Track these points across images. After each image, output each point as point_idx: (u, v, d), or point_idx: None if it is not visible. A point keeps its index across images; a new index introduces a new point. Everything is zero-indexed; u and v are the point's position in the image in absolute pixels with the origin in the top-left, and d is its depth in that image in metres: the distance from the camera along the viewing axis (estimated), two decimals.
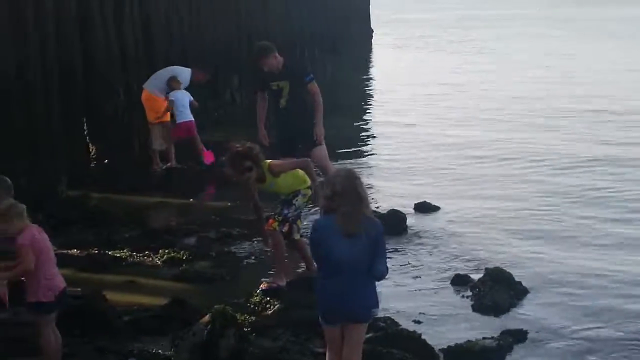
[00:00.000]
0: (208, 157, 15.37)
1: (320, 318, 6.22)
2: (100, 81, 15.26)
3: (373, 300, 6.14)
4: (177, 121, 15.18)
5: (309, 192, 9.05)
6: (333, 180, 6.12)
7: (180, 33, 19.18)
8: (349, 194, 5.99)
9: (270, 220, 8.97)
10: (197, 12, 20.29)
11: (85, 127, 15.12)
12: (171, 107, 15.07)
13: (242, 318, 7.71)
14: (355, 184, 6.06)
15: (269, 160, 8.85)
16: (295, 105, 11.20)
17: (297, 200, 8.99)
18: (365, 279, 6.04)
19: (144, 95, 15.35)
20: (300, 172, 9.04)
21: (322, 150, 11.36)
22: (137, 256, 10.23)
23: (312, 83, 11.17)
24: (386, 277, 6.24)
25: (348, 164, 14.82)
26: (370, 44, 40.62)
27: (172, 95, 15.12)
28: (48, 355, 6.82)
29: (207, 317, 6.90)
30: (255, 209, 9.20)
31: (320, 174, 10.55)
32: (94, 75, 15.05)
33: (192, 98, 15.33)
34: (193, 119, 15.24)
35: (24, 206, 6.72)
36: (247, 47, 23.25)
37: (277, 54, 11.25)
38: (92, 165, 15.20)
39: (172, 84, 15.15)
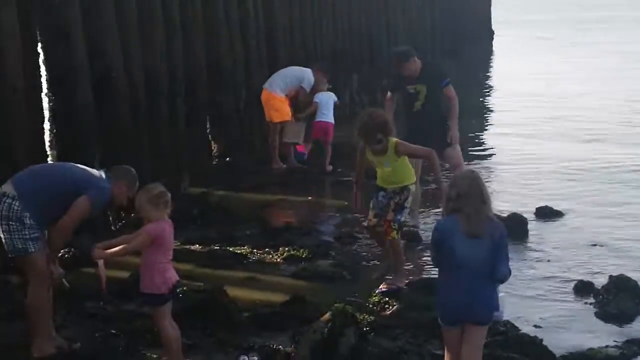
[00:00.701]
0: (301, 149, 15.54)
1: (439, 319, 6.22)
2: (223, 81, 15.48)
3: (494, 302, 6.11)
4: (316, 119, 15.32)
5: (413, 189, 9.02)
6: (458, 182, 6.15)
7: (301, 35, 19.33)
8: (473, 195, 6.02)
9: (388, 230, 8.86)
10: (318, 13, 20.42)
11: (207, 126, 15.35)
12: (314, 108, 15.28)
13: (362, 317, 7.74)
14: (479, 186, 6.10)
15: (395, 139, 8.76)
16: (430, 108, 11.24)
17: (407, 202, 8.90)
18: (487, 281, 6.03)
19: (264, 95, 15.53)
20: (411, 168, 9.04)
21: (455, 151, 11.37)
22: (257, 253, 10.37)
23: (448, 87, 11.28)
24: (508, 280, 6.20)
25: (469, 165, 14.71)
26: (491, 45, 40.16)
27: (316, 97, 15.32)
28: (169, 346, 6.96)
29: (327, 315, 6.95)
30: (356, 183, 9.20)
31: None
32: (217, 75, 15.28)
33: (337, 99, 15.54)
34: (332, 122, 15.37)
35: (166, 199, 6.88)
36: (368, 48, 23.35)
37: (416, 58, 11.31)
38: (214, 163, 15.43)
39: (316, 86, 15.43)
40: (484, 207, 6.04)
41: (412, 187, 8.99)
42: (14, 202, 7.08)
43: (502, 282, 6.10)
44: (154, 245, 6.79)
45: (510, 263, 6.12)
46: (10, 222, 7.08)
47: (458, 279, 6.00)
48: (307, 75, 15.53)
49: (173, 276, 6.89)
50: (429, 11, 29.27)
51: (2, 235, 7.17)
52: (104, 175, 7.46)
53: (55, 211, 7.18)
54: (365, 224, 9.25)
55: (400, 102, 11.53)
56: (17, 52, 9.71)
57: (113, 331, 7.68)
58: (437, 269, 6.37)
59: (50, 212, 7.20)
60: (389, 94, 11.63)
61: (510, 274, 6.09)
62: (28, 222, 7.10)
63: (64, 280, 7.55)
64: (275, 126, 15.41)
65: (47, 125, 11.32)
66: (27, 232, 7.10)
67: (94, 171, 7.56)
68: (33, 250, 7.15)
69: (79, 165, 7.68)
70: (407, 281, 9.04)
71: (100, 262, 7.18)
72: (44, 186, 7.20)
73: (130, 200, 7.31)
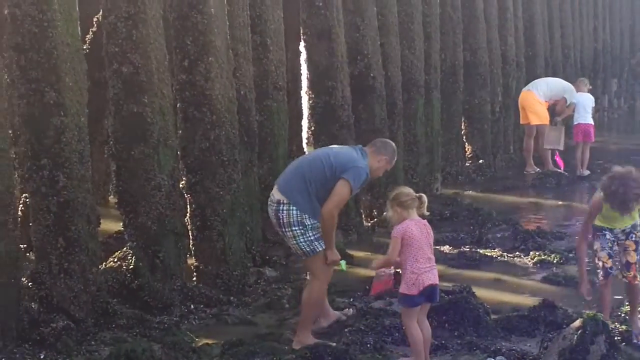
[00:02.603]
0: (560, 163, 15.26)
1: None
2: (481, 82, 15.46)
3: None
4: (575, 122, 15.16)
5: None
6: None
7: (561, 37, 19.01)
8: None
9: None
10: (579, 16, 20.01)
11: (462, 127, 15.38)
12: (572, 109, 15.14)
13: (613, 325, 7.54)
14: None
15: None
16: None
17: None
18: None
19: (523, 97, 15.41)
20: None
21: None
22: (507, 256, 10.30)
23: None
24: None
25: None
26: None
27: (574, 97, 15.15)
28: (413, 346, 7.03)
29: (578, 322, 6.81)
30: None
31: None
32: (474, 76, 15.29)
33: (594, 103, 15.34)
34: (593, 123, 15.14)
35: (412, 197, 6.99)
36: (628, 51, 22.62)
37: None
38: (467, 164, 15.43)
39: (578, 84, 15.33)
40: None
41: None
42: (290, 208, 7.34)
43: None
44: (404, 246, 6.90)
45: None
46: (293, 228, 7.35)
47: None
48: (570, 88, 15.38)
49: (427, 279, 6.89)
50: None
51: (289, 242, 7.48)
52: (359, 153, 7.60)
53: (322, 199, 7.39)
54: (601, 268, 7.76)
55: None
56: (280, 51, 10.10)
57: (362, 327, 7.84)
58: None
59: (318, 197, 7.38)
60: None
61: None
62: (309, 222, 7.35)
63: (341, 263, 7.79)
64: (532, 129, 15.24)
65: (305, 122, 11.70)
66: (311, 234, 7.36)
67: (349, 150, 7.71)
68: (320, 249, 7.42)
69: (333, 147, 7.92)
70: None
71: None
72: (307, 182, 7.40)
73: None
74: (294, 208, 7.33)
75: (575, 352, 6.63)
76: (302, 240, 7.35)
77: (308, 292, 7.55)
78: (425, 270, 6.89)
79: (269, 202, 7.57)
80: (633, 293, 7.65)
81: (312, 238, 7.35)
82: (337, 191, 7.33)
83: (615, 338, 7.14)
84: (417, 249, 6.91)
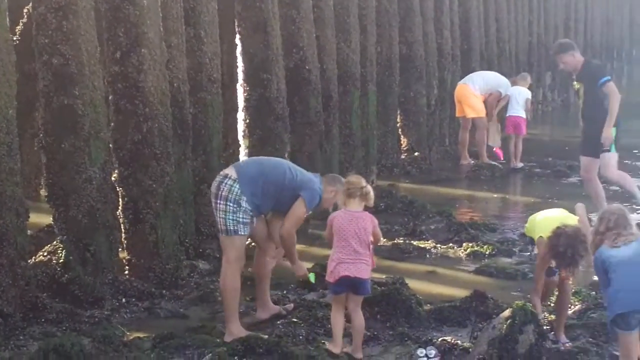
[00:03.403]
0: (498, 152, 15.43)
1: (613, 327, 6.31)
2: (417, 75, 15.54)
3: None
4: (507, 114, 15.33)
5: None
6: (605, 216, 6.48)
7: (496, 31, 19.19)
8: (620, 221, 6.41)
9: None
10: (515, 10, 20.22)
11: (398, 120, 15.45)
12: (506, 101, 15.30)
13: (542, 316, 7.64)
14: (625, 214, 6.50)
15: None
16: (588, 109, 10.91)
17: None
18: None
19: (459, 90, 15.52)
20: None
21: (607, 158, 10.86)
22: (440, 247, 10.39)
23: (606, 84, 10.63)
24: None
25: None
26: None
27: (509, 90, 15.31)
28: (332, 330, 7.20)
29: (507, 312, 6.90)
30: None
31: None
32: (410, 69, 15.36)
33: (530, 97, 15.48)
34: (524, 117, 15.29)
35: (355, 187, 7.12)
36: None
37: (575, 53, 11.03)
38: (403, 157, 15.50)
39: (517, 79, 15.51)
40: (631, 229, 6.42)
41: None
42: (234, 185, 7.46)
43: None
44: (333, 233, 7.10)
45: None
46: (229, 203, 7.44)
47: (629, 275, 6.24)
48: (505, 82, 15.54)
49: (344, 270, 6.99)
50: (627, 7, 28.46)
51: (217, 214, 7.53)
52: (318, 179, 7.82)
53: (268, 202, 7.62)
54: None
55: None
56: (215, 43, 10.05)
57: (295, 319, 7.86)
58: None
59: (263, 203, 7.59)
60: None
61: None
62: (244, 205, 7.46)
63: (310, 275, 7.93)
64: (467, 122, 15.37)
65: (240, 115, 11.67)
66: (241, 215, 7.45)
67: (309, 174, 7.90)
68: (242, 234, 7.53)
69: (296, 166, 8.04)
70: None
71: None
72: (263, 176, 7.58)
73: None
74: (238, 186, 7.45)
75: (505, 342, 6.73)
76: (231, 217, 7.43)
77: (222, 276, 7.60)
78: (344, 261, 6.99)
79: (216, 177, 7.69)
80: (563, 292, 7.57)
81: (240, 220, 7.44)
82: (295, 211, 7.57)
83: (544, 327, 7.25)
84: (341, 239, 7.02)
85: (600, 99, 10.70)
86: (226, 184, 7.47)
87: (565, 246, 6.96)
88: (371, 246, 7.12)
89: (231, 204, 7.42)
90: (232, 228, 7.45)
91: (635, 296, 6.12)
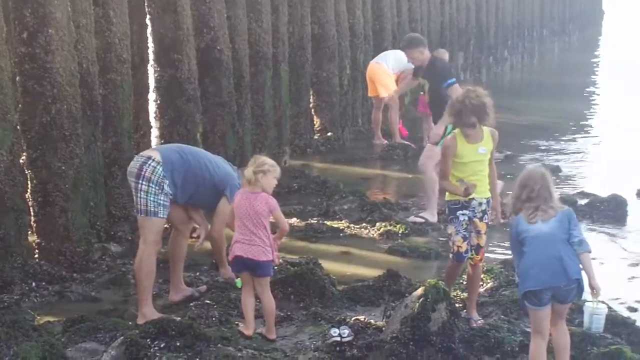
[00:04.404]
0: (403, 131, 15.50)
1: (524, 302, 6.34)
2: (329, 55, 15.52)
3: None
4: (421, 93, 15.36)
5: None
6: (528, 184, 6.37)
7: (408, 11, 19.27)
8: (542, 193, 6.32)
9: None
10: None
11: (311, 100, 15.43)
12: (417, 82, 15.29)
13: (455, 293, 7.73)
14: (547, 183, 6.35)
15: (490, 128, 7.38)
16: (434, 105, 11.00)
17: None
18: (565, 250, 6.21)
19: (371, 69, 15.51)
20: None
21: (431, 150, 10.73)
22: (354, 227, 10.43)
23: (451, 87, 10.50)
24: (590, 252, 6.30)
25: (573, 148, 14.71)
26: (601, 25, 39.27)
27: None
28: (266, 315, 7.20)
29: (419, 290, 6.95)
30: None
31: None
32: (322, 49, 15.34)
33: None
34: None
35: (251, 173, 7.07)
36: (475, 25, 23.15)
37: (424, 50, 11.20)
38: (316, 137, 15.50)
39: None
40: (551, 201, 6.33)
41: None
42: (158, 167, 7.45)
43: (582, 248, 6.24)
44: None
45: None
46: (151, 184, 7.42)
47: (535, 252, 6.27)
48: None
49: (237, 250, 7.03)
50: None
51: (137, 194, 7.47)
52: (233, 169, 7.92)
53: (186, 193, 7.64)
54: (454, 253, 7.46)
55: None
56: (124, 23, 9.90)
57: (207, 301, 7.84)
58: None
59: (183, 189, 7.60)
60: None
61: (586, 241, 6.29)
62: (166, 189, 7.47)
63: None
64: (380, 102, 15.39)
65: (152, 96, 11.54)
66: (162, 198, 7.45)
67: (224, 163, 7.97)
68: (162, 216, 7.52)
69: (209, 154, 8.04)
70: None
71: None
72: (185, 166, 7.60)
73: None
74: (162, 169, 7.46)
75: (417, 320, 6.76)
76: (152, 198, 7.42)
77: (138, 258, 7.55)
78: (239, 241, 7.04)
79: (135, 157, 7.67)
80: (475, 274, 7.54)
81: (161, 202, 7.45)
82: (221, 211, 7.70)
83: (456, 305, 7.34)
84: (238, 218, 7.06)
85: (444, 98, 10.22)
86: (150, 165, 7.45)
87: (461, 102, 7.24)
88: (271, 230, 7.09)
89: (154, 186, 7.42)
90: (152, 209, 7.43)
91: (548, 273, 6.19)
